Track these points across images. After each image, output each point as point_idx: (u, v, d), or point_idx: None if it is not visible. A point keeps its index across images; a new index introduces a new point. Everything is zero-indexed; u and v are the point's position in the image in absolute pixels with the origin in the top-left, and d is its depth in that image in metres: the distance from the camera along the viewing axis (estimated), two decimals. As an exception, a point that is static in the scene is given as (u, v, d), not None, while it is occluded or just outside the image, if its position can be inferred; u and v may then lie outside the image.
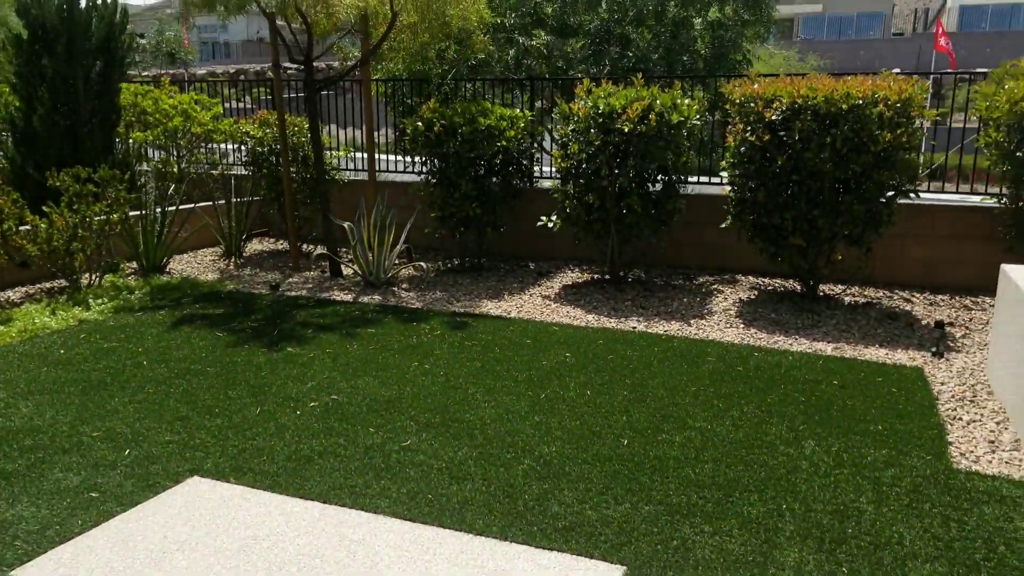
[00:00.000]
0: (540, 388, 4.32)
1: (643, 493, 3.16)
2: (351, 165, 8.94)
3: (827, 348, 5.01)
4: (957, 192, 6.65)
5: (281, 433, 3.76)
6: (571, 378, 4.47)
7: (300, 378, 4.50)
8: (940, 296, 6.25)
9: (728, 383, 4.36)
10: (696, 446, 3.57)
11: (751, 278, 6.87)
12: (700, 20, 10.76)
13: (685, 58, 10.51)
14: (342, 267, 7.21)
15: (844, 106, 5.21)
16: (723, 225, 6.19)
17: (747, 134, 5.62)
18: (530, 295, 6.40)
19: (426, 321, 5.66)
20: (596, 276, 6.99)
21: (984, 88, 5.50)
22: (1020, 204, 5.22)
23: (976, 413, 3.93)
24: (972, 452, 3.49)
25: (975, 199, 6.38)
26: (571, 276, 7.07)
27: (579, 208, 6.30)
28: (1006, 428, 3.72)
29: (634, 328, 5.46)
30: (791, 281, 6.64)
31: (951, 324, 5.53)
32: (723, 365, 4.66)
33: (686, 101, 6.07)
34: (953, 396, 4.18)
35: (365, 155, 7.62)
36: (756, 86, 5.71)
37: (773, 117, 5.45)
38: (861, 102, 5.21)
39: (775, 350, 4.96)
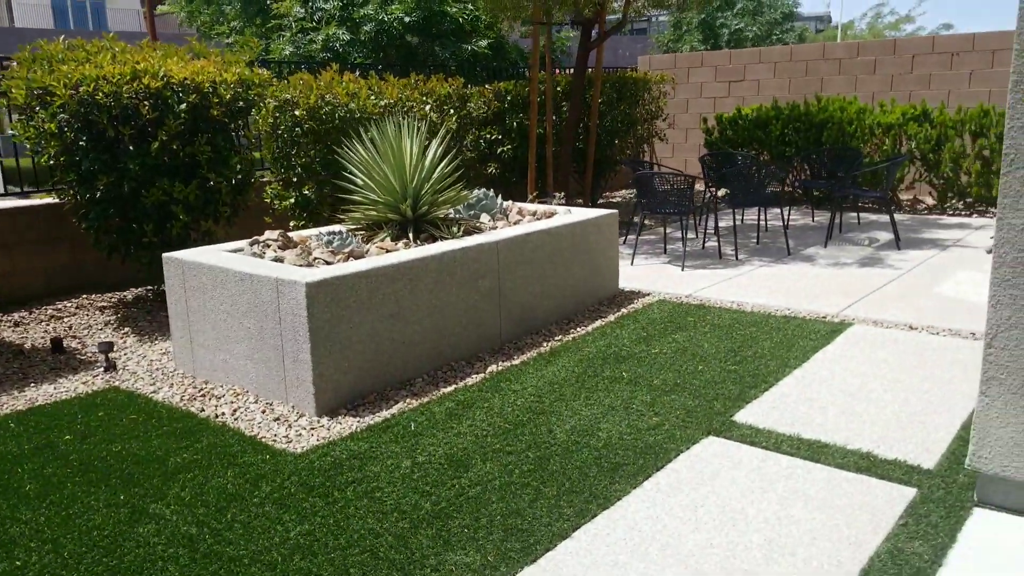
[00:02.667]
0: None
1: None
2: None
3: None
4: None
5: None
6: None
7: None
8: (18, 315, 5.37)
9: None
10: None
11: None
12: None
13: None
14: None
15: None
16: None
17: None
18: None
19: None
20: None
21: (21, 72, 4.76)
22: (97, 195, 4.91)
23: (233, 403, 3.76)
24: (282, 436, 3.40)
25: (27, 201, 5.61)
26: None
27: None
28: (270, 404, 3.73)
29: None
30: None
31: (62, 338, 4.91)
32: None
33: None
34: (190, 398, 3.86)
35: None
36: None
37: None
38: None
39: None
